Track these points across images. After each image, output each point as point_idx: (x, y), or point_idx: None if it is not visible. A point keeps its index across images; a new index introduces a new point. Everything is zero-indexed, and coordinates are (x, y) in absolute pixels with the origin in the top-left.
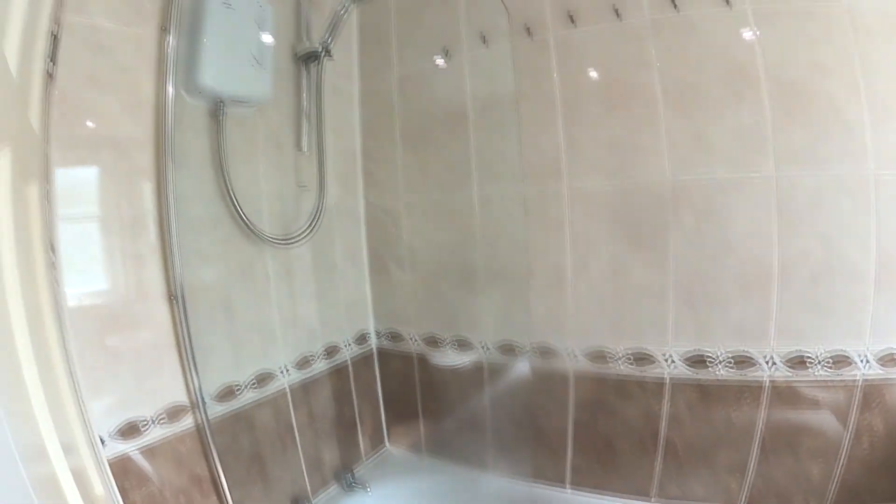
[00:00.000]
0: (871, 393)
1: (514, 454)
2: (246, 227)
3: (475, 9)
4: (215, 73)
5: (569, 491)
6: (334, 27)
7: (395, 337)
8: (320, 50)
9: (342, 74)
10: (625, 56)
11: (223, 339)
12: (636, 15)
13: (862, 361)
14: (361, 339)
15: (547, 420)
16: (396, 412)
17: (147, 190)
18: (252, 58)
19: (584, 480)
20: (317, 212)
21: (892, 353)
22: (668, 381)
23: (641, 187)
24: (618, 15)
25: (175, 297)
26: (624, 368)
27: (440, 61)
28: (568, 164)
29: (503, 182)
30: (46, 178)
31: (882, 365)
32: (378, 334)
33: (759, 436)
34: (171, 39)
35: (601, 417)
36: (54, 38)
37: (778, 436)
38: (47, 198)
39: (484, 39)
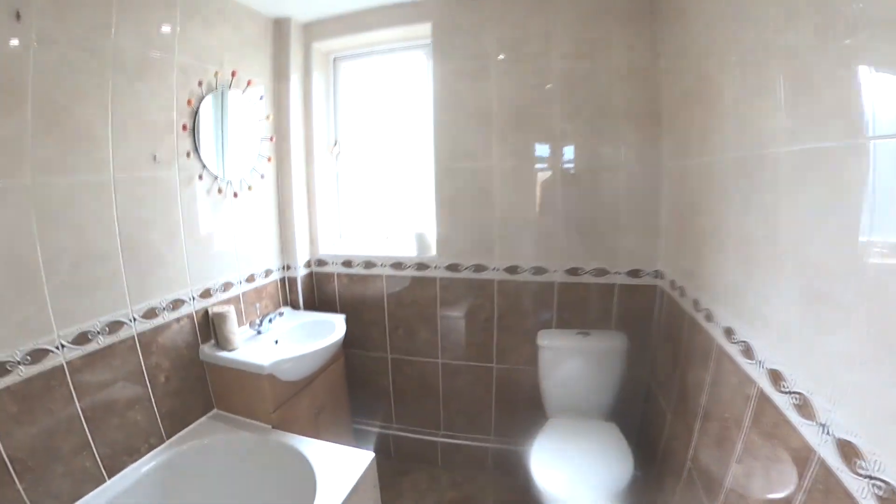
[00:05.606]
0: (148, 342)
1: None
2: None
3: None
4: None
5: None
6: None
7: None
8: None
9: None
10: None
11: None
12: None
13: (131, 321)
14: None
15: None
16: None
17: None
18: None
19: None
20: None
21: (152, 308)
22: None
23: None
24: None
25: None
26: None
27: None
28: None
29: None
30: None
31: (146, 319)
32: None
33: (81, 414)
34: None
35: None
36: None
37: (96, 405)
38: None
39: None
